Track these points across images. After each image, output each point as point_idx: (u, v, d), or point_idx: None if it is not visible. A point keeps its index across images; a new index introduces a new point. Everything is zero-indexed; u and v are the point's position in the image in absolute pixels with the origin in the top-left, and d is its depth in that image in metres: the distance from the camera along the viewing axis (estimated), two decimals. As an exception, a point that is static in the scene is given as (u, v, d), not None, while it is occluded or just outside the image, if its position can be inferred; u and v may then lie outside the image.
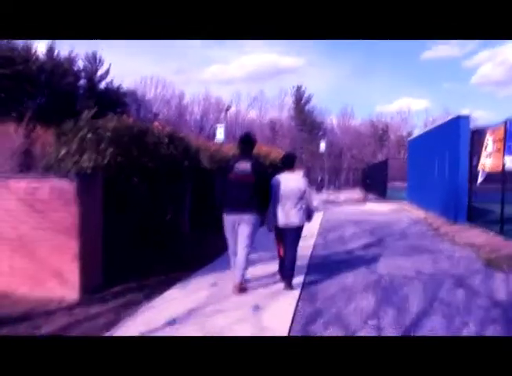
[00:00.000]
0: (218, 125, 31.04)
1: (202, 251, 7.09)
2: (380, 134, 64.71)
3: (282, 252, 5.47)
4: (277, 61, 77.10)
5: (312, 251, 7.80)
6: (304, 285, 5.54)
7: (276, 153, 16.65)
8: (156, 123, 6.32)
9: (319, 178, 38.28)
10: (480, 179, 11.38)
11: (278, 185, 5.34)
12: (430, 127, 19.05)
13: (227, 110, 32.35)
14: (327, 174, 42.19)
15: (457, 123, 11.93)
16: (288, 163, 5.60)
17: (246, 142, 5.30)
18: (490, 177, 11.46)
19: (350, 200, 24.49)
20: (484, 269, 6.72)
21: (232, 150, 11.18)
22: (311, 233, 9.39)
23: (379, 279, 5.94)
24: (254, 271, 5.86)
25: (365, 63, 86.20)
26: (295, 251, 5.40)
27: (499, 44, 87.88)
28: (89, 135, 5.03)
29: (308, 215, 5.48)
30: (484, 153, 11.09)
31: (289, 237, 5.35)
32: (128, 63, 77.88)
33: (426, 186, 16.11)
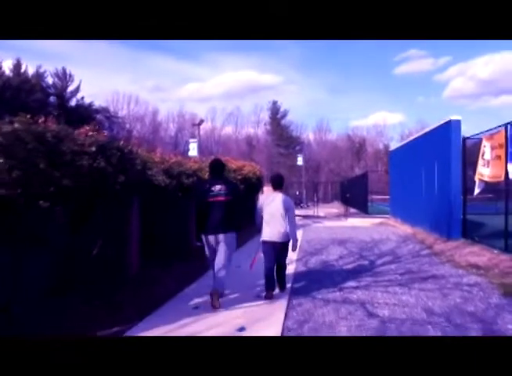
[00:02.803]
0: (191, 140, 29.58)
1: (149, 295, 5.52)
2: (356, 147, 64.31)
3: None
4: (254, 78, 76.56)
5: (291, 284, 6.36)
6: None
7: (250, 168, 15.36)
8: (85, 128, 4.82)
9: (297, 193, 37.10)
10: (477, 190, 10.19)
11: (266, 203, 5.80)
12: (409, 138, 17.99)
13: (199, 124, 30.92)
14: (305, 188, 41.01)
15: (448, 128, 10.72)
16: (276, 183, 5.93)
17: (217, 166, 5.70)
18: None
19: (330, 216, 23.24)
20: (505, 301, 5.38)
21: (196, 163, 9.78)
22: (289, 258, 7.95)
23: (381, 326, 4.51)
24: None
25: (340, 78, 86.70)
26: (284, 263, 5.97)
27: (469, 58, 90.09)
28: (-28, 142, 3.53)
29: (293, 240, 5.78)
30: (480, 162, 9.90)
31: (276, 252, 5.73)
32: (103, 81, 76.41)
33: (412, 199, 14.89)
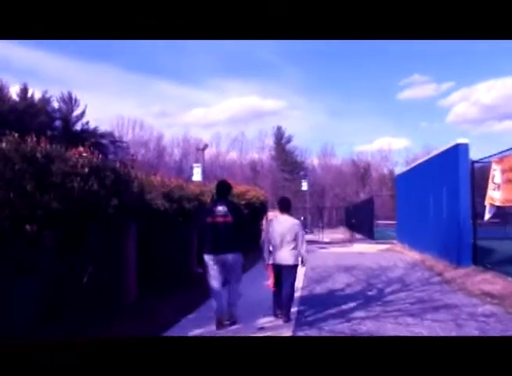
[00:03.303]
0: (195, 165, 29.43)
1: (146, 324, 5.19)
2: (361, 172, 64.12)
3: (272, 285, 5.80)
4: (258, 104, 77.09)
5: (297, 314, 6.02)
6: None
7: (254, 192, 15.13)
8: (79, 149, 4.60)
9: (302, 218, 36.71)
10: (488, 215, 9.86)
11: (274, 226, 5.83)
12: (415, 162, 17.74)
13: (203, 149, 30.88)
14: (310, 214, 40.70)
15: (456, 152, 10.48)
16: (283, 206, 6.00)
17: (223, 187, 5.73)
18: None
19: (335, 241, 22.83)
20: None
21: (198, 187, 9.55)
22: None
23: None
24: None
25: (343, 103, 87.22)
26: (292, 286, 5.85)
27: (472, 84, 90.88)
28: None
29: (301, 258, 5.83)
30: (491, 186, 9.61)
31: (285, 275, 5.72)
32: (108, 106, 77.26)
33: (419, 225, 14.55)
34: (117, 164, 5.20)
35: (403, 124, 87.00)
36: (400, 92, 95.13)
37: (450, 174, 10.92)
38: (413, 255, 13.97)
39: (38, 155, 3.85)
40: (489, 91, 73.39)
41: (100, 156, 4.86)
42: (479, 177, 10.61)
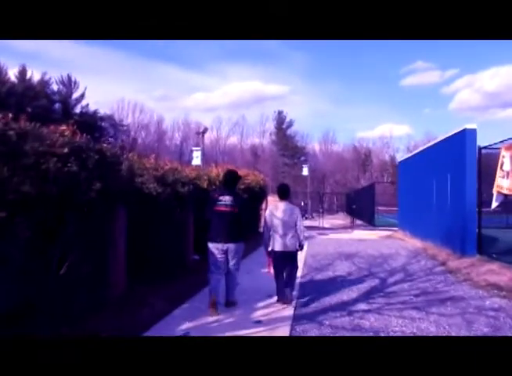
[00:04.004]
0: (194, 149, 28.89)
1: (133, 318, 4.84)
2: (362, 159, 63.64)
3: (272, 273, 5.88)
4: (260, 89, 76.22)
5: (295, 306, 5.70)
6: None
7: (253, 177, 14.79)
8: (60, 127, 4.20)
9: (302, 204, 36.39)
10: (495, 203, 9.51)
11: (274, 214, 5.83)
12: (417, 149, 17.33)
13: (203, 132, 30.38)
14: (310, 199, 40.33)
15: (462, 137, 10.08)
16: (283, 193, 6.00)
17: (230, 177, 5.80)
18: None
19: (336, 227, 22.53)
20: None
21: (194, 171, 9.18)
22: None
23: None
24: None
25: (346, 89, 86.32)
26: (295, 269, 5.98)
27: (476, 71, 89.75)
28: None
29: (299, 244, 5.86)
30: (499, 173, 9.23)
31: (286, 261, 5.80)
32: (109, 89, 76.42)
33: (422, 212, 14.20)
34: (105, 145, 4.80)
35: (405, 111, 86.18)
36: (403, 79, 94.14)
37: (456, 160, 10.54)
38: (415, 243, 13.70)
39: (11, 133, 3.47)
40: (493, 78, 72.59)
41: (84, 135, 4.44)
42: (486, 164, 10.24)
